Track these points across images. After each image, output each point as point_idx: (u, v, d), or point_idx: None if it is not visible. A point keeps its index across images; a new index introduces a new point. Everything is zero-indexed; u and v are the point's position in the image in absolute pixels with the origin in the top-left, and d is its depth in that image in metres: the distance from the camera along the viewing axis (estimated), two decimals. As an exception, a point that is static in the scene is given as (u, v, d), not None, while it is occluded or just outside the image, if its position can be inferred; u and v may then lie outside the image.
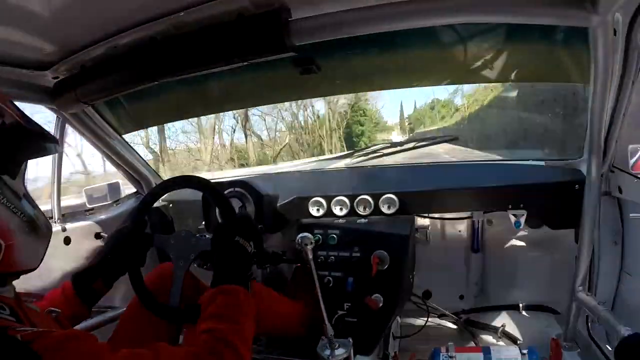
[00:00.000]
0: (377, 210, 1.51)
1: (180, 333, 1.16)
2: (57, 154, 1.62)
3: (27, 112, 0.72)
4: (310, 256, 1.15)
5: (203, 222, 1.66)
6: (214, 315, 0.80)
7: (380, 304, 1.32)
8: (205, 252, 1.04)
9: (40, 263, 0.73)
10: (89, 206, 1.80)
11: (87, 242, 1.71)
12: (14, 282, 0.72)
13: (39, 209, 0.73)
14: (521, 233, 1.72)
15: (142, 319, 1.04)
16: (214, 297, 0.83)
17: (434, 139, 2.20)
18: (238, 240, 0.95)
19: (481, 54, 1.36)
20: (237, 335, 0.77)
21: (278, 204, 1.61)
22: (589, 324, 1.44)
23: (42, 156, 0.75)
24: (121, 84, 1.25)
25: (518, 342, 1.60)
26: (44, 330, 0.59)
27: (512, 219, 1.47)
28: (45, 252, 0.74)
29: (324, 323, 1.14)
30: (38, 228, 0.71)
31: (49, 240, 0.76)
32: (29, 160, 0.72)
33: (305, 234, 1.16)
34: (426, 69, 1.51)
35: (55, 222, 1.63)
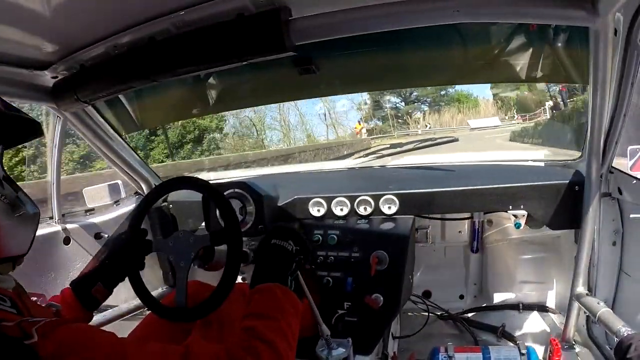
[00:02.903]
0: (377, 211, 1.51)
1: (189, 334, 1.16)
2: (56, 155, 1.62)
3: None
4: None
5: (203, 223, 1.65)
6: (250, 315, 0.79)
7: (380, 304, 1.32)
8: (205, 248, 1.04)
9: (29, 249, 0.72)
10: (89, 206, 1.80)
11: (87, 242, 1.71)
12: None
13: (23, 192, 0.72)
14: (521, 233, 1.72)
15: (159, 322, 1.05)
16: (251, 297, 0.83)
17: (434, 141, 2.20)
18: (275, 242, 0.95)
19: (481, 54, 1.36)
20: (274, 331, 0.74)
21: (278, 204, 1.61)
22: (589, 324, 1.44)
23: (20, 142, 0.73)
24: (120, 83, 1.24)
25: (517, 342, 1.60)
26: (58, 321, 0.57)
27: (512, 219, 1.47)
28: (33, 237, 0.73)
29: (318, 324, 1.14)
30: (22, 211, 0.69)
31: (37, 224, 0.75)
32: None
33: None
34: (426, 68, 1.51)
35: (55, 222, 1.62)
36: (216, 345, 0.72)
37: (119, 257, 1.04)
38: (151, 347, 0.63)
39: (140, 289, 1.04)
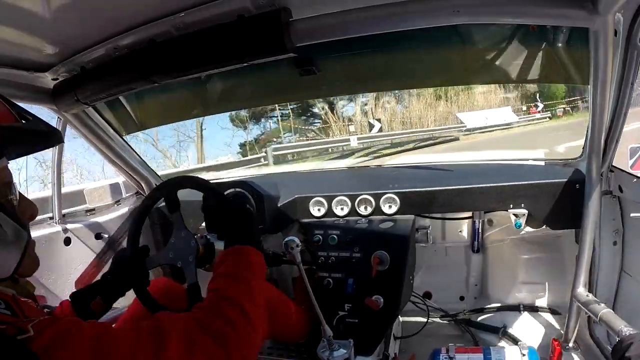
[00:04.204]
0: (378, 210, 1.51)
1: None
2: (57, 156, 1.62)
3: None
4: (299, 259, 1.14)
5: (204, 223, 1.65)
6: (222, 275, 0.78)
7: (381, 305, 1.32)
8: (206, 248, 1.04)
9: (10, 275, 0.65)
10: (89, 206, 1.80)
11: (87, 242, 1.71)
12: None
13: (5, 213, 0.63)
14: (521, 233, 1.72)
15: (143, 313, 1.05)
16: (225, 258, 0.82)
17: (434, 140, 2.20)
18: (249, 208, 0.98)
19: (481, 54, 1.35)
20: (243, 294, 0.74)
21: (279, 204, 1.61)
22: (590, 325, 1.44)
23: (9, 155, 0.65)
24: (121, 85, 1.25)
25: (518, 342, 1.60)
26: (52, 318, 0.57)
27: (513, 219, 1.47)
28: (16, 264, 0.65)
29: (321, 325, 1.14)
30: None
31: (22, 249, 0.66)
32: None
33: (291, 237, 1.15)
34: (426, 69, 1.51)
35: (55, 223, 1.63)
36: (184, 314, 0.70)
37: (121, 274, 1.04)
38: (125, 326, 0.63)
39: (149, 304, 1.03)
